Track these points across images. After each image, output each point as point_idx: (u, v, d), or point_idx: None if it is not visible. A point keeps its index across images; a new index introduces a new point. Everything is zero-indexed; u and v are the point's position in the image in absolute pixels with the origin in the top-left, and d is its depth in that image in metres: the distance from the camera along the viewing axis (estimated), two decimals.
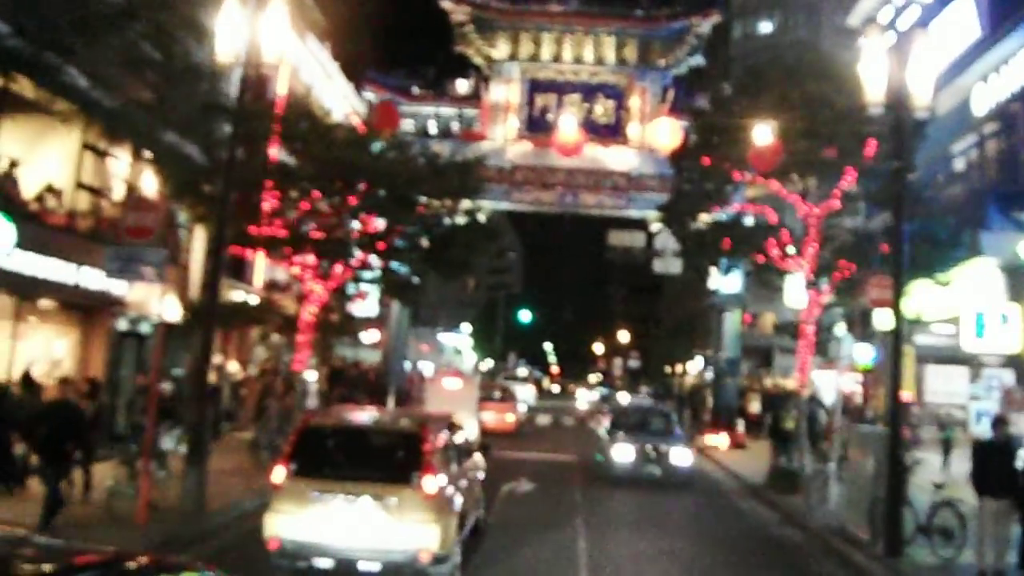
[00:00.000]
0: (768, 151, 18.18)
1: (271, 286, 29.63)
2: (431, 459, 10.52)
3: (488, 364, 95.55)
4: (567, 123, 31.86)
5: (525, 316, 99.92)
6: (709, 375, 41.91)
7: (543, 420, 42.69)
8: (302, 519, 10.25)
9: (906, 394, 29.54)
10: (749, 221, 22.30)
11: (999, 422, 13.22)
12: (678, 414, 42.40)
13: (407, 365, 72.72)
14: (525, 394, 50.57)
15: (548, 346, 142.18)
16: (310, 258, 21.47)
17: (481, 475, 14.31)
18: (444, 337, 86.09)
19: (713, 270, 31.28)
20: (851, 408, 23.00)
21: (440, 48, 36.33)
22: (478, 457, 14.47)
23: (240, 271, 27.88)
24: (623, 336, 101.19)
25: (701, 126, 21.39)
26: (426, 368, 72.07)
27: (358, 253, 21.94)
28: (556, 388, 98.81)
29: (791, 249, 21.29)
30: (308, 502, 10.26)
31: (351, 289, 24.69)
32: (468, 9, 34.39)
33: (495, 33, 34.80)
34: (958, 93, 24.07)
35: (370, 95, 34.66)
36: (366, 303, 36.69)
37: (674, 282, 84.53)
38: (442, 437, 11.56)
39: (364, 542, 10.18)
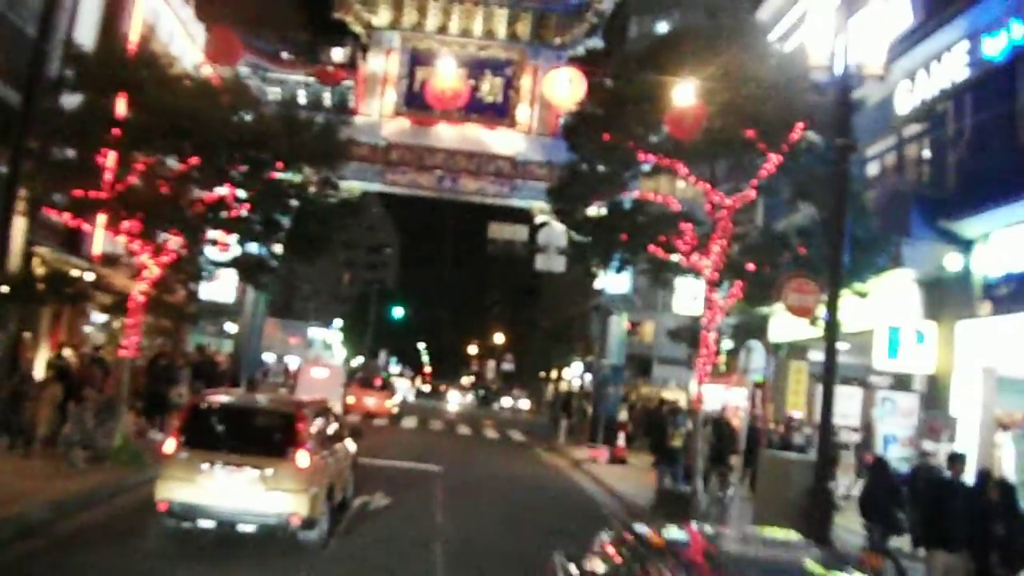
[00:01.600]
0: (689, 113, 15.54)
1: (110, 260, 25.91)
2: (304, 437, 12.17)
3: (359, 360, 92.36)
4: (446, 66, 27.60)
5: (398, 312, 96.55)
6: (587, 382, 39.35)
7: (408, 423, 39.50)
8: (189, 485, 11.66)
9: (796, 412, 27.89)
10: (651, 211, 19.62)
11: (955, 460, 10.79)
12: (552, 422, 40.28)
13: (270, 357, 69.76)
14: (405, 390, 60.70)
15: (422, 345, 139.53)
16: (137, 227, 18.08)
17: (352, 452, 16.03)
18: (314, 331, 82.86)
19: (602, 271, 28.91)
20: (759, 428, 20.62)
21: (317, 14, 32.60)
22: (349, 440, 15.96)
23: (75, 243, 24.21)
24: (498, 338, 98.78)
25: (601, 96, 18.61)
26: (292, 361, 69.05)
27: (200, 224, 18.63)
28: (428, 388, 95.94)
29: (682, 246, 18.84)
30: (194, 471, 11.69)
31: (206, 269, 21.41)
32: None
33: None
34: (880, 90, 22.03)
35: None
36: (220, 287, 33.22)
37: (554, 284, 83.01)
38: (315, 419, 13.22)
39: (243, 506, 11.70)
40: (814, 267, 16.76)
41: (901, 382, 23.84)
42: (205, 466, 11.68)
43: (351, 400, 42.37)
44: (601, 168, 19.35)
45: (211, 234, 19.11)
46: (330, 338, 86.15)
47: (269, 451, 11.97)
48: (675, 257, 19.26)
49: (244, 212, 19.82)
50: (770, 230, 20.23)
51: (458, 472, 23.45)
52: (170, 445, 12.16)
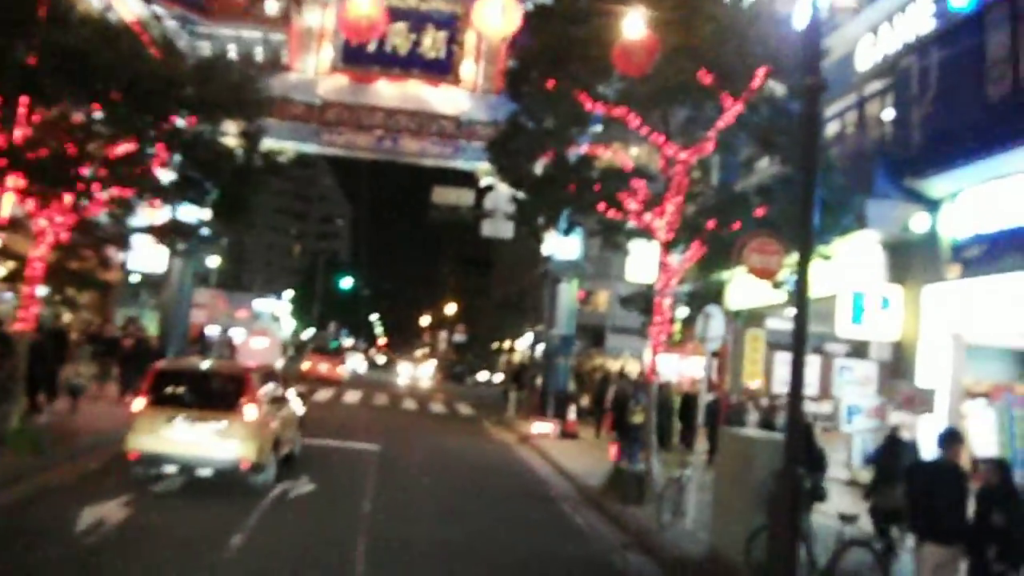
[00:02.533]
0: (639, 47, 13.94)
1: (17, 225, 23.92)
2: (251, 395, 14.37)
3: (310, 332, 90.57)
4: None
5: (347, 283, 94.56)
6: (539, 353, 37.80)
7: (351, 397, 37.83)
8: (155, 437, 13.80)
9: (754, 382, 26.75)
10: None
11: (951, 438, 9.37)
12: (502, 395, 38.81)
13: (214, 330, 67.67)
14: (356, 362, 68.57)
15: (375, 317, 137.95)
16: (29, 186, 16.23)
17: (299, 414, 18.38)
18: (262, 303, 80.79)
19: (550, 233, 27.37)
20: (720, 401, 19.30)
21: None
22: (296, 402, 18.38)
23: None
24: (451, 309, 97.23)
25: (545, 39, 16.92)
26: (238, 334, 67.11)
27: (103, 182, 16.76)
28: (382, 360, 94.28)
29: (633, 204, 17.34)
30: (159, 425, 13.87)
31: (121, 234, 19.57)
32: None
33: None
34: (839, 46, 20.74)
35: (159, 9, 28.87)
36: (150, 257, 31.32)
37: (506, 253, 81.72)
38: (262, 381, 15.44)
39: (201, 454, 13.89)
40: (776, 228, 15.37)
41: (858, 350, 23.02)
42: (169, 420, 13.95)
43: (306, 366, 45.43)
44: (547, 123, 17.79)
45: (113, 194, 17.20)
46: (278, 310, 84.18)
47: (222, 407, 14.24)
48: (628, 220, 17.80)
49: (157, 171, 18.13)
50: (728, 189, 18.76)
51: (396, 452, 21.91)
52: (139, 403, 14.40)
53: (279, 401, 16.48)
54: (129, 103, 15.48)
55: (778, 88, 17.08)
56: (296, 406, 18.17)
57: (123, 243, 19.74)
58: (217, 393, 14.65)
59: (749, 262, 14.38)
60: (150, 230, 20.08)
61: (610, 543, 13.86)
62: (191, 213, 24.92)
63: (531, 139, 17.63)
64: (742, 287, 25.48)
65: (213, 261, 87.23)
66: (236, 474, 14.10)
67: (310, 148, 30.10)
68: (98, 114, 16.16)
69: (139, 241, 28.64)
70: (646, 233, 18.04)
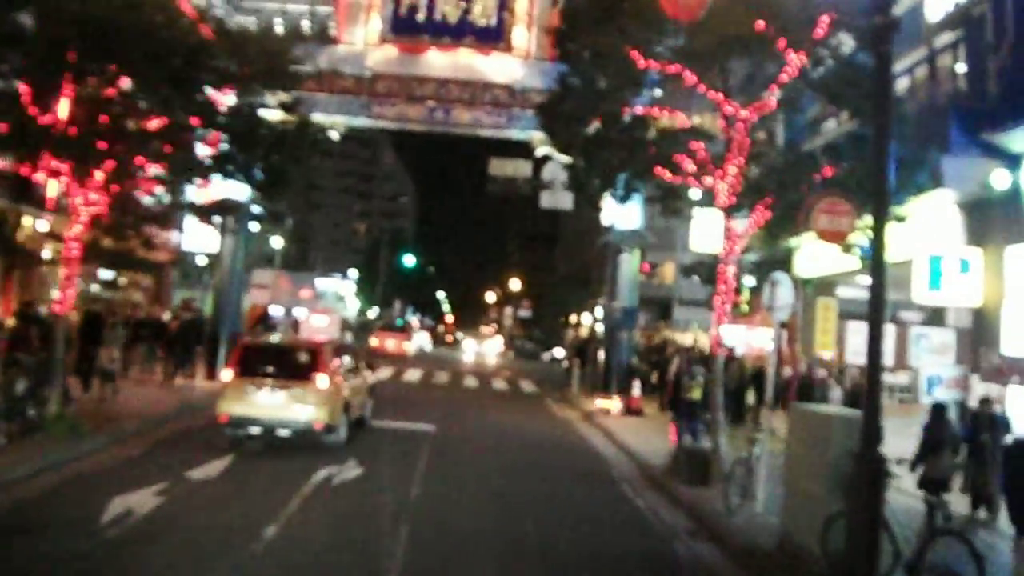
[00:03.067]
0: None
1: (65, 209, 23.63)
2: (323, 366, 16.73)
3: (375, 311, 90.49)
4: None
5: (409, 260, 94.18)
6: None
7: (412, 376, 37.23)
8: (241, 402, 16.23)
9: (825, 353, 25.54)
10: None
11: None
12: (566, 371, 37.93)
13: (278, 310, 67.77)
14: (422, 339, 70.41)
15: (441, 295, 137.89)
16: (57, 164, 15.69)
17: (371, 382, 21.20)
18: (326, 283, 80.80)
19: (609, 202, 26.33)
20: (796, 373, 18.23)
21: None
22: (368, 373, 21.16)
23: (28, 191, 21.93)
24: (516, 284, 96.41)
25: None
26: (301, 314, 67.15)
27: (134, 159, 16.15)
28: (450, 338, 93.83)
29: (693, 167, 16.28)
30: (245, 392, 16.30)
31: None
32: None
33: None
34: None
35: None
36: (199, 236, 30.96)
37: (571, 226, 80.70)
38: (333, 354, 17.80)
39: (280, 416, 16.26)
40: (845, 189, 14.26)
41: (933, 318, 21.94)
42: (253, 388, 16.31)
43: (375, 342, 45.89)
44: (599, 84, 16.77)
45: (149, 170, 16.60)
46: (343, 289, 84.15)
47: (299, 376, 16.56)
48: (687, 184, 16.75)
49: (196, 147, 17.51)
50: (794, 148, 17.60)
51: (453, 432, 21.20)
52: (227, 374, 17.07)
53: (351, 372, 18.89)
54: (156, 73, 14.77)
55: (845, 44, 15.92)
56: (368, 376, 21.04)
57: (166, 222, 19.11)
58: (294, 365, 16.89)
59: (817, 224, 13.29)
60: (192, 208, 19.56)
61: (673, 529, 12.93)
62: (238, 191, 24.60)
63: (582, 101, 16.61)
64: (811, 253, 24.26)
65: (277, 242, 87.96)
66: (310, 434, 16.45)
67: (360, 122, 29.36)
68: (128, 86, 15.51)
69: (193, 222, 28.53)
70: (707, 198, 16.98)
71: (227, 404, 16.33)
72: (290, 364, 16.93)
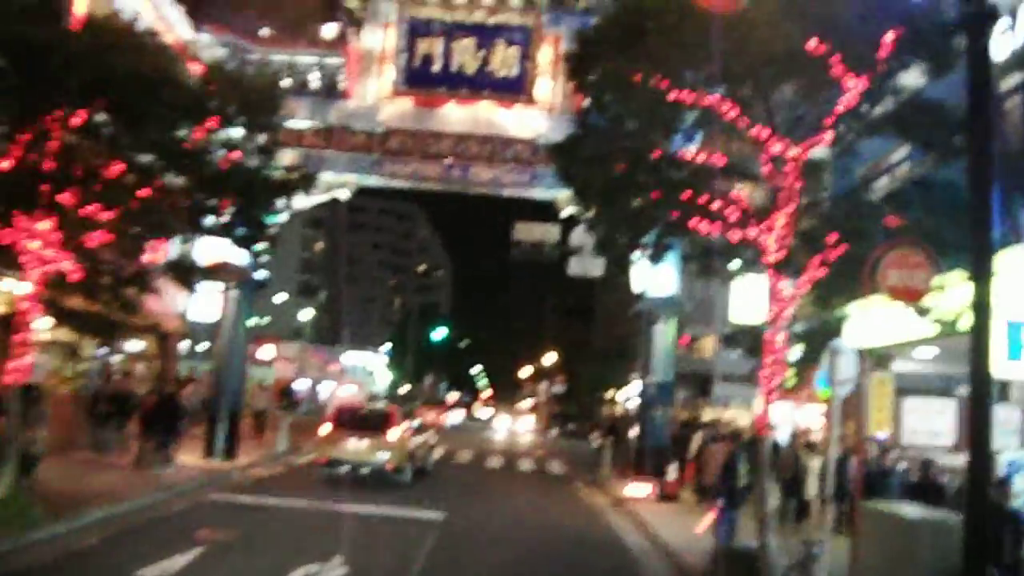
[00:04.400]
0: None
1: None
2: (394, 424, 23.44)
3: (407, 387, 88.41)
4: None
5: (439, 334, 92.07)
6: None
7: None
8: (336, 448, 22.79)
9: (880, 433, 22.86)
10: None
11: None
12: (598, 451, 35.24)
13: (304, 384, 65.77)
14: (456, 417, 73.69)
15: (477, 370, 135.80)
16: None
17: (431, 442, 28.31)
18: (355, 356, 79.09)
19: (639, 265, 23.95)
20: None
21: None
22: (430, 433, 28.89)
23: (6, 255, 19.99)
24: (550, 359, 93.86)
25: (617, 16, 13.67)
26: (327, 388, 65.17)
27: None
28: (486, 413, 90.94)
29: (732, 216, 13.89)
30: (339, 440, 22.86)
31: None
32: None
33: None
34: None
35: (206, 37, 26.56)
36: (204, 303, 28.91)
37: (607, 297, 78.18)
38: (402, 417, 24.59)
39: (363, 459, 22.56)
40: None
41: (1000, 390, 19.37)
42: (344, 438, 22.73)
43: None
44: (626, 123, 14.52)
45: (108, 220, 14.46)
46: (372, 363, 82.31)
47: (377, 430, 22.90)
48: (727, 236, 14.33)
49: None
50: (855, 194, 15.16)
51: (464, 521, 18.72)
52: (326, 428, 23.46)
53: (416, 431, 25.37)
54: (102, 106, 12.70)
55: (909, 78, 13.61)
56: (429, 437, 28.01)
57: (143, 284, 16.93)
58: (374, 421, 23.53)
59: (887, 280, 10.92)
60: (174, 268, 17.46)
61: None
62: (237, 254, 22.53)
63: (603, 140, 14.32)
64: (867, 321, 21.68)
65: (306, 314, 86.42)
66: (384, 473, 22.43)
67: (372, 181, 27.26)
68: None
69: (203, 287, 26.50)
70: (751, 254, 14.59)
71: (326, 450, 23.04)
72: (371, 422, 23.46)
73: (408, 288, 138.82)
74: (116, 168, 14.02)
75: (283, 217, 25.91)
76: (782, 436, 23.66)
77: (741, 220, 13.73)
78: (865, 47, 12.15)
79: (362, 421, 23.52)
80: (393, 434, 22.87)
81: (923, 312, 12.60)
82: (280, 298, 79.46)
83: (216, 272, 20.88)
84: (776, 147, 13.29)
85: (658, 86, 13.11)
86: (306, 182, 17.18)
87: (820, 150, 15.08)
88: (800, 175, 13.52)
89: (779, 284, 13.78)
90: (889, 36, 12.14)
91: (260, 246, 17.71)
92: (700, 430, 26.57)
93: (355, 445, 22.51)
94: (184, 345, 38.05)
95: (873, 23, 12.18)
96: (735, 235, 13.93)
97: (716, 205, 13.64)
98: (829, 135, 13.11)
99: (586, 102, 15.19)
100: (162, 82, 12.82)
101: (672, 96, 13.22)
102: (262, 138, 15.50)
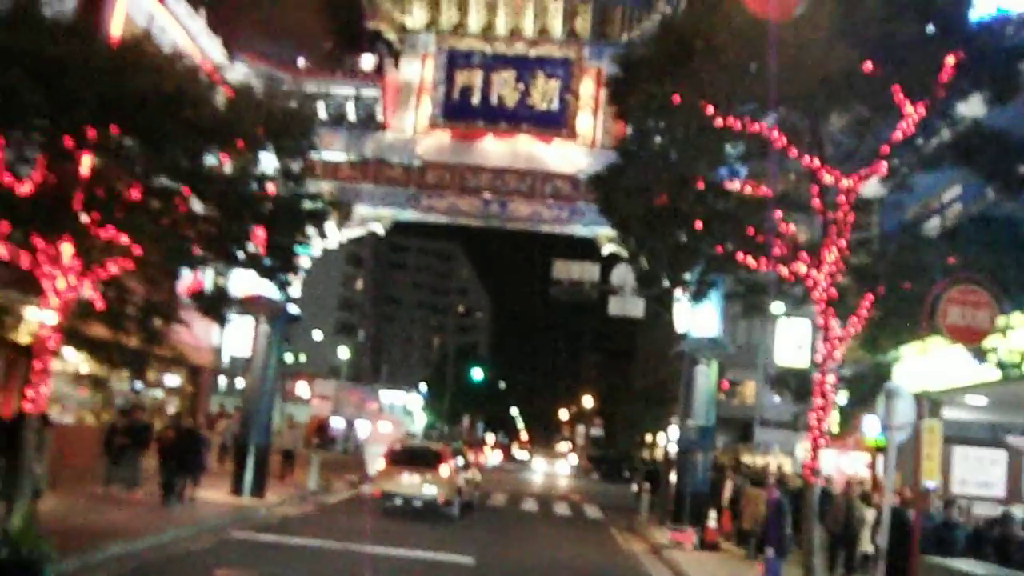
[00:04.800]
0: None
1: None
2: (445, 461, 24.95)
3: (444, 429, 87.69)
4: None
5: (477, 374, 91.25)
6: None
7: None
8: (390, 482, 24.35)
9: (931, 482, 21.87)
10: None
11: None
12: (636, 496, 34.30)
13: (340, 422, 65.28)
14: (494, 459, 73.93)
15: (515, 410, 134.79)
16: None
17: (477, 480, 30.38)
18: (393, 395, 78.66)
19: (682, 304, 23.27)
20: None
21: (347, 24, 27.98)
22: (475, 471, 30.73)
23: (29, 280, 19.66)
24: (588, 401, 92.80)
25: (662, 38, 13.06)
26: (363, 426, 64.64)
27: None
28: (523, 455, 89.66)
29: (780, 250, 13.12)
30: (393, 475, 24.39)
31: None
32: None
33: None
34: None
35: (243, 67, 26.32)
36: (234, 334, 28.48)
37: (647, 338, 77.18)
38: (452, 455, 26.14)
39: (416, 492, 24.02)
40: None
41: None
42: (398, 473, 24.28)
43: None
44: (668, 151, 13.87)
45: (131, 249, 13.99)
46: (410, 403, 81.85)
47: (429, 466, 24.44)
48: (775, 271, 13.59)
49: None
50: (908, 230, 14.37)
51: (495, 568, 17.91)
52: (381, 463, 25.51)
53: (464, 468, 26.84)
54: (120, 125, 12.25)
55: (968, 108, 12.87)
56: (475, 474, 29.92)
57: (169, 315, 16.43)
58: (426, 458, 24.93)
59: (947, 319, 10.13)
60: (194, 298, 16.94)
61: None
62: (269, 288, 22.04)
63: (646, 170, 13.66)
64: (921, 364, 20.83)
65: (344, 352, 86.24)
66: (435, 505, 24.01)
67: (408, 215, 26.72)
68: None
69: (235, 321, 26.09)
70: (799, 292, 13.82)
71: (381, 483, 24.69)
72: (423, 458, 24.91)
73: (447, 328, 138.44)
74: (137, 191, 13.54)
75: (317, 250, 25.56)
76: (835, 485, 22.78)
77: (789, 254, 13.00)
78: (924, 71, 11.46)
79: (415, 457, 24.97)
80: (444, 470, 24.36)
81: (984, 354, 11.78)
82: (318, 335, 79.27)
83: (247, 305, 20.36)
84: (828, 178, 12.57)
85: (704, 111, 12.48)
86: (337, 210, 16.63)
87: (871, 186, 14.39)
88: (852, 208, 12.80)
89: (830, 323, 13.02)
90: (950, 60, 11.44)
91: (290, 278, 17.16)
92: (732, 474, 25.74)
93: (408, 479, 24.01)
94: (223, 380, 37.84)
95: (933, 46, 11.50)
96: (783, 270, 13.20)
97: (763, 238, 12.90)
98: (884, 166, 12.37)
99: (628, 130, 14.54)
100: (184, 102, 12.32)
101: (718, 122, 12.58)
102: (293, 165, 14.92)
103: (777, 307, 26.19)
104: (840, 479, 24.21)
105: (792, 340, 26.14)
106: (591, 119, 26.32)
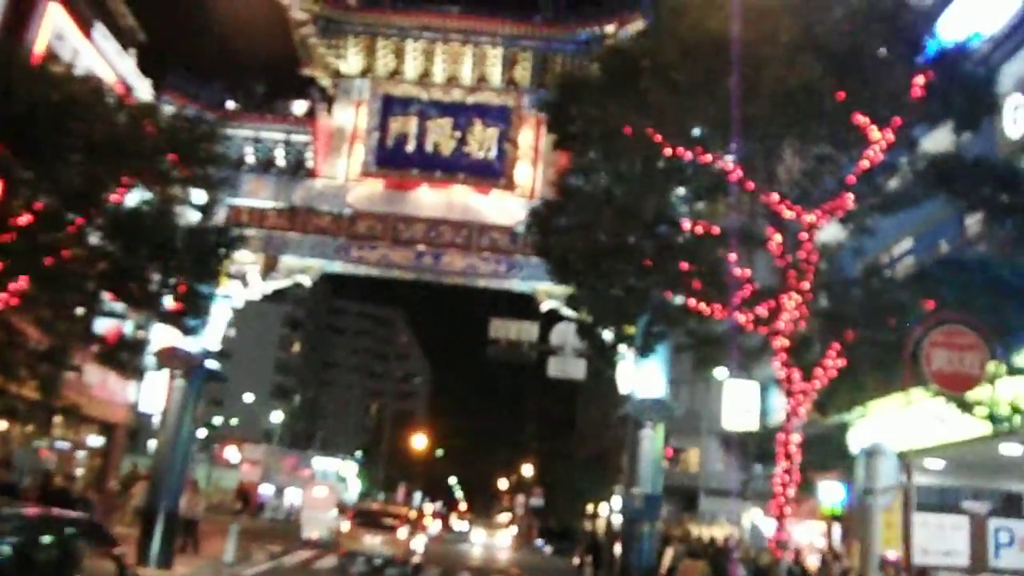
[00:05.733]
0: None
1: None
2: (403, 525, 27.49)
3: (379, 496, 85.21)
4: None
5: (417, 441, 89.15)
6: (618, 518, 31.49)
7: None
8: (354, 542, 26.80)
9: (891, 551, 20.89)
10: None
11: None
12: (577, 571, 32.62)
13: (269, 489, 62.83)
14: (432, 528, 65.01)
15: (453, 479, 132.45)
16: None
17: (424, 541, 32.28)
18: (326, 462, 76.34)
19: (626, 362, 21.99)
20: None
21: (284, 72, 26.82)
22: (420, 535, 31.64)
23: None
24: (528, 470, 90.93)
25: (606, 58, 11.86)
26: (293, 493, 62.28)
27: None
28: (462, 525, 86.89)
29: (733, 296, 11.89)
30: (358, 535, 26.85)
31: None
32: (310, 4, 25.00)
33: (344, 39, 25.44)
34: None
35: (169, 107, 24.80)
36: (145, 391, 26.61)
37: (589, 406, 75.76)
38: (407, 521, 28.50)
39: (378, 550, 26.43)
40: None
41: (1006, 506, 18.72)
42: (362, 533, 26.93)
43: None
44: (611, 183, 12.62)
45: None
46: (344, 470, 79.50)
47: (388, 528, 27.10)
48: (733, 319, 12.32)
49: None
50: (878, 273, 13.19)
51: None
52: (346, 525, 28.05)
53: (416, 531, 29.40)
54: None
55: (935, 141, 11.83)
56: (421, 539, 31.14)
57: (59, 361, 14.76)
58: (386, 521, 27.53)
59: (932, 365, 8.86)
60: (92, 343, 15.29)
61: None
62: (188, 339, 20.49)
63: (588, 206, 12.38)
64: (890, 420, 19.78)
65: (277, 416, 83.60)
66: (395, 563, 26.71)
67: (337, 267, 25.22)
68: None
69: (153, 374, 24.30)
70: (755, 340, 12.55)
71: (347, 543, 27.10)
72: (384, 520, 27.53)
73: (386, 393, 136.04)
74: (25, 216, 11.98)
75: (239, 301, 24.05)
76: (812, 558, 21.62)
77: (749, 299, 11.75)
78: (892, 92, 10.39)
79: (376, 520, 27.56)
80: (402, 532, 26.96)
81: (968, 408, 10.50)
82: (249, 398, 76.81)
83: (161, 357, 18.71)
84: (788, 214, 11.39)
85: (652, 139, 11.25)
86: (237, 242, 15.13)
87: (827, 231, 13.29)
88: (813, 249, 11.62)
89: (792, 375, 11.74)
90: (919, 79, 10.39)
91: (199, 324, 15.53)
92: (675, 542, 24.36)
93: (370, 540, 26.43)
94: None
95: (900, 65, 10.45)
96: (740, 317, 11.93)
97: (715, 280, 11.65)
98: (850, 198, 11.22)
99: (567, 161, 13.30)
100: (75, 113, 10.84)
101: (667, 152, 11.36)
102: (202, 194, 13.46)
103: (720, 372, 25.03)
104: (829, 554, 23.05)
105: (739, 403, 24.98)
106: (530, 169, 25.19)
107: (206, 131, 14.06)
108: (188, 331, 15.62)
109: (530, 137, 25.32)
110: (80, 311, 14.75)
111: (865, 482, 9.98)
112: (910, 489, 18.50)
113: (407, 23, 25.34)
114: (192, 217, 14.40)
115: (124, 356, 16.09)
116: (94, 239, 13.41)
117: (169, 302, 13.91)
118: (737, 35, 10.24)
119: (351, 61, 25.90)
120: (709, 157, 11.34)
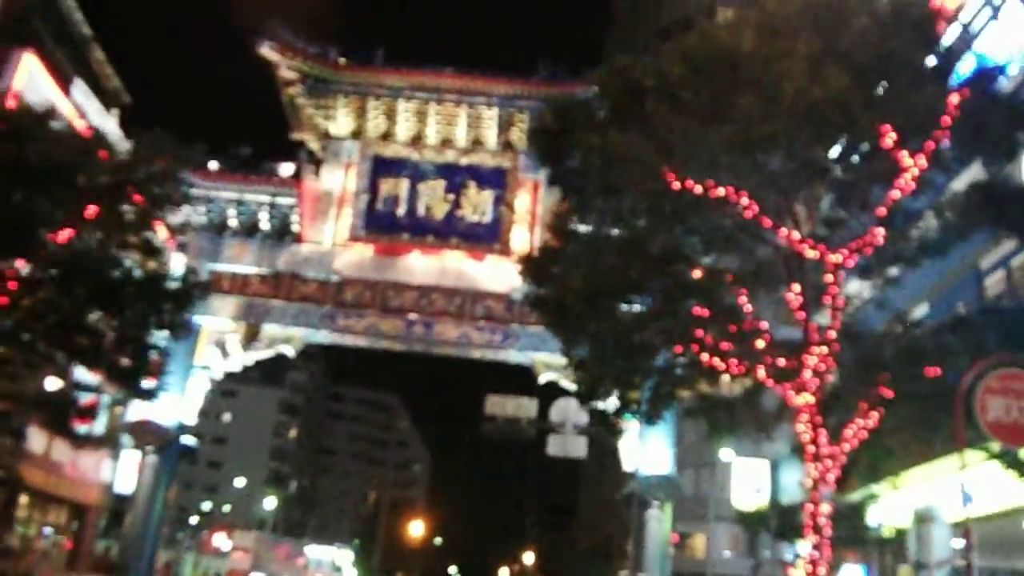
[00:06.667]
0: None
1: None
2: None
3: None
4: None
5: (415, 529, 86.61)
6: None
7: None
8: None
9: None
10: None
11: None
12: None
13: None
14: None
15: (452, 569, 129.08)
16: None
17: None
18: (321, 551, 74.07)
19: (630, 435, 20.55)
20: None
21: (271, 135, 25.84)
22: None
23: None
24: (529, 558, 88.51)
25: (607, 79, 10.66)
26: None
27: None
28: None
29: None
30: None
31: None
32: (299, 63, 24.13)
33: (334, 99, 24.47)
34: None
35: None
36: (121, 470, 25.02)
37: (593, 493, 73.59)
38: None
39: None
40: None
41: None
42: None
43: None
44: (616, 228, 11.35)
45: None
46: (339, 559, 77.11)
47: None
48: (749, 376, 10.95)
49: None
50: (904, 319, 11.80)
51: None
52: None
53: None
54: None
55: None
56: None
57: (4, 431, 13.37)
58: None
59: (987, 415, 7.46)
60: (39, 404, 13.88)
61: None
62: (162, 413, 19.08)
63: (588, 250, 11.08)
64: (901, 498, 18.06)
65: (270, 503, 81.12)
66: None
67: (321, 336, 23.91)
68: None
69: (127, 454, 22.83)
70: (772, 402, 11.15)
71: None
72: None
73: (384, 481, 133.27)
74: None
75: (217, 372, 22.71)
76: None
77: (767, 351, 10.37)
78: (923, 112, 9.16)
79: None
80: None
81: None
82: (240, 482, 74.70)
83: (133, 430, 17.31)
84: (811, 253, 10.08)
85: (658, 172, 9.99)
86: (197, 290, 13.83)
87: (850, 286, 12.00)
88: (840, 294, 10.28)
89: (819, 438, 10.29)
90: (954, 98, 9.19)
91: (153, 385, 14.08)
92: None
93: None
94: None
95: (931, 82, 9.25)
96: (760, 372, 10.53)
97: (735, 327, 10.28)
98: (879, 234, 9.90)
99: (565, 202, 12.01)
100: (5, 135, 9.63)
101: (676, 186, 10.08)
102: (155, 235, 12.20)
103: (726, 454, 23.52)
104: None
105: (749, 483, 23.51)
106: (527, 234, 23.99)
107: (163, 169, 12.86)
108: (144, 394, 14.16)
109: (527, 200, 24.21)
110: (26, 370, 13.41)
111: (917, 554, 8.48)
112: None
113: (399, 83, 24.38)
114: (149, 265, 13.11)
115: (74, 425, 14.72)
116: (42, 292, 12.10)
117: (124, 360, 12.55)
118: (751, 50, 9.07)
119: (341, 122, 24.92)
120: (721, 191, 10.07)
